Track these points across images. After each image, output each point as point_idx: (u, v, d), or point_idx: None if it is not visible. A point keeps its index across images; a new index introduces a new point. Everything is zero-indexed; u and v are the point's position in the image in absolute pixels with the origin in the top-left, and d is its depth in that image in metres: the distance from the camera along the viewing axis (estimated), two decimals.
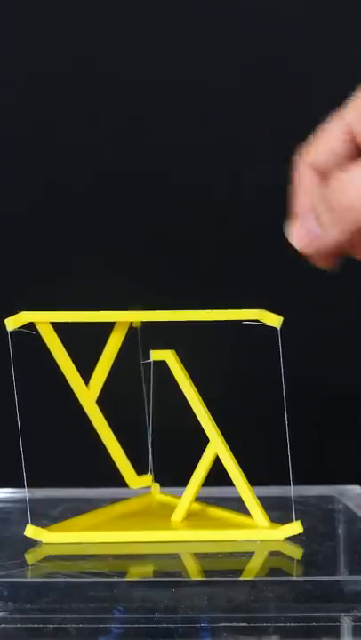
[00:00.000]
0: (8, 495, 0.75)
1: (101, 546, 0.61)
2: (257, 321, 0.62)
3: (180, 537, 0.63)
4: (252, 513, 0.63)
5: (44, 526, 0.62)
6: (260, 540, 0.62)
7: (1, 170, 0.87)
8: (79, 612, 0.53)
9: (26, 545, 0.61)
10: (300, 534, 0.61)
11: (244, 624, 0.53)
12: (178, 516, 0.65)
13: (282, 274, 0.87)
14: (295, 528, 0.61)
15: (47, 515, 0.68)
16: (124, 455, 0.68)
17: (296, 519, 0.61)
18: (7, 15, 0.86)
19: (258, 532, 0.62)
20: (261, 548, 0.61)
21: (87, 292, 0.73)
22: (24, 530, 0.61)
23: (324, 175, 0.57)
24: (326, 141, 0.58)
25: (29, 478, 0.71)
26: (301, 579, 0.54)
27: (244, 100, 0.86)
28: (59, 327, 0.64)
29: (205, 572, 0.58)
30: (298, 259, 0.88)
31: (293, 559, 0.60)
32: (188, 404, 0.64)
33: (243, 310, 0.62)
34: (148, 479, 0.70)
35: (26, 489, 0.61)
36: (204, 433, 0.64)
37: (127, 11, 0.86)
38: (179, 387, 0.64)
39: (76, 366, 0.65)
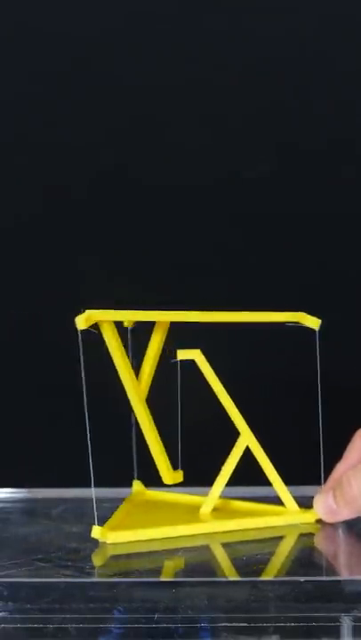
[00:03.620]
0: (8, 495, 0.75)
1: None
2: (297, 323, 0.65)
3: (219, 527, 0.64)
4: (283, 499, 0.66)
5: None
6: (302, 524, 0.65)
7: (1, 170, 0.87)
8: (79, 612, 0.53)
9: (26, 545, 0.61)
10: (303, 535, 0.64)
11: (244, 624, 0.53)
12: (207, 507, 0.66)
13: (281, 275, 0.87)
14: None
15: (47, 515, 0.68)
16: (164, 453, 0.69)
17: None
18: (7, 15, 0.86)
19: (292, 517, 0.66)
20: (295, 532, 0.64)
21: (93, 294, 0.73)
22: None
23: None
24: None
25: (29, 478, 0.71)
26: (301, 579, 0.54)
27: (244, 100, 0.86)
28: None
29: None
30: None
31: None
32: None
33: (283, 313, 0.65)
34: (179, 475, 0.70)
35: (93, 489, 0.61)
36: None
37: (127, 10, 0.86)
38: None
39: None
